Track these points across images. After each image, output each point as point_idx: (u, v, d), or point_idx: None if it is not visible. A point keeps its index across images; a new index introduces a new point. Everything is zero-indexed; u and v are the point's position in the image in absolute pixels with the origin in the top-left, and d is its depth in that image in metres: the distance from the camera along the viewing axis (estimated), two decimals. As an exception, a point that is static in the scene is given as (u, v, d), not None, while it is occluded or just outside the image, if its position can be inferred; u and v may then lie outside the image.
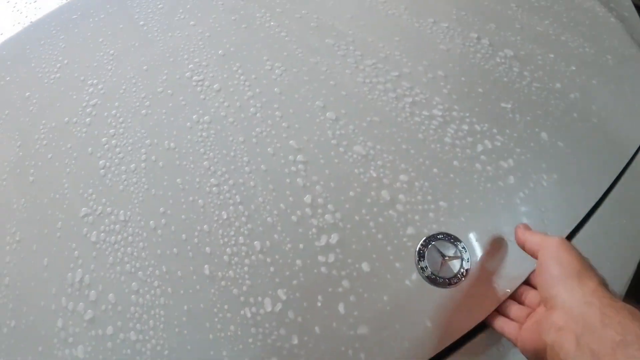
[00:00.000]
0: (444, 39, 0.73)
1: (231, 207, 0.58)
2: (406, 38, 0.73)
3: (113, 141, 0.68)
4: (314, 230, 0.55)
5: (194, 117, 0.68)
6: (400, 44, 0.72)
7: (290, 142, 0.62)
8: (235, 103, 0.68)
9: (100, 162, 0.67)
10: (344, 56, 0.71)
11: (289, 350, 0.51)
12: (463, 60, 0.70)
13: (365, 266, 0.53)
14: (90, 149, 0.69)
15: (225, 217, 0.57)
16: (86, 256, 0.59)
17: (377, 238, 0.54)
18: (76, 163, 0.68)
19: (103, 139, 0.69)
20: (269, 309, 0.52)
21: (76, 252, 0.60)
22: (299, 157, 0.60)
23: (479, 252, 0.55)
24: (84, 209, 0.63)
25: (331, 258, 0.53)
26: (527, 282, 0.55)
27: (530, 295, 0.53)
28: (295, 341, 0.51)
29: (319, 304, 0.52)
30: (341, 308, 0.51)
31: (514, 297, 0.54)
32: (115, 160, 0.66)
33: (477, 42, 0.72)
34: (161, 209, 0.60)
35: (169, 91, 0.72)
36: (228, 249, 0.55)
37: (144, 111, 0.71)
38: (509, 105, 0.65)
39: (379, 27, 0.76)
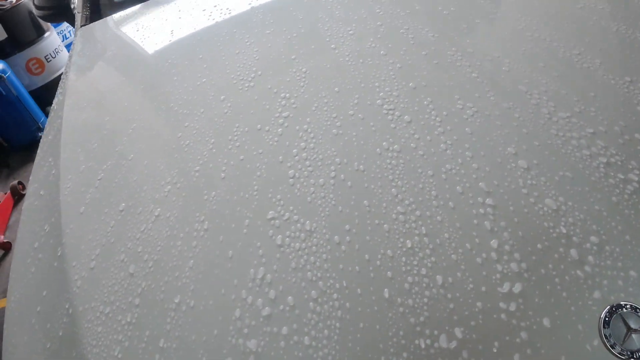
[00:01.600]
0: (641, 101, 0.70)
1: (416, 237, 0.60)
2: (601, 95, 0.72)
3: (304, 154, 0.73)
4: (497, 275, 0.56)
5: (383, 144, 0.71)
6: (595, 101, 0.71)
7: (480, 184, 0.63)
8: (425, 137, 0.70)
9: (290, 171, 0.72)
10: (537, 105, 0.71)
11: (458, 389, 0.51)
12: (662, 126, 0.67)
13: (546, 321, 0.52)
14: (281, 157, 0.74)
15: (409, 245, 0.60)
16: (270, 256, 0.64)
17: (562, 296, 0.53)
18: (266, 168, 0.74)
19: (294, 150, 0.75)
20: (444, 344, 0.53)
21: (260, 250, 0.65)
22: (488, 201, 0.61)
23: (667, 331, 0.52)
24: (271, 212, 0.68)
25: (512, 307, 0.54)
26: None
27: None
28: (465, 381, 0.51)
29: (495, 350, 0.52)
30: (516, 358, 0.51)
31: None
32: (305, 173, 0.71)
33: (677, 108, 0.69)
34: (347, 227, 0.63)
35: (359, 115, 0.76)
36: (409, 278, 0.57)
37: (334, 130, 0.75)
38: None
39: (573, 80, 0.75)
